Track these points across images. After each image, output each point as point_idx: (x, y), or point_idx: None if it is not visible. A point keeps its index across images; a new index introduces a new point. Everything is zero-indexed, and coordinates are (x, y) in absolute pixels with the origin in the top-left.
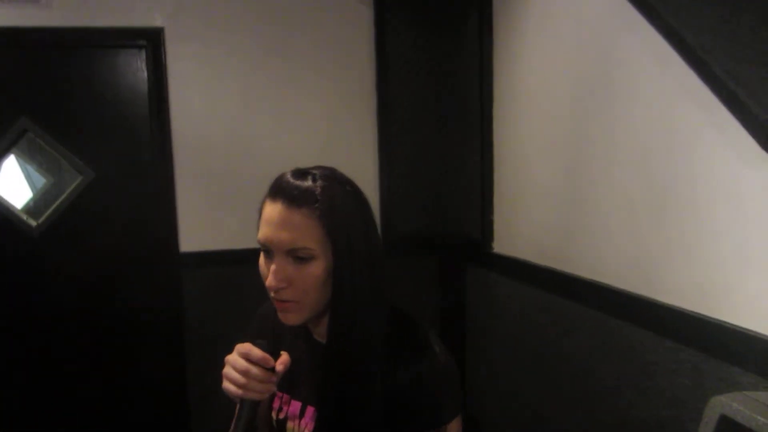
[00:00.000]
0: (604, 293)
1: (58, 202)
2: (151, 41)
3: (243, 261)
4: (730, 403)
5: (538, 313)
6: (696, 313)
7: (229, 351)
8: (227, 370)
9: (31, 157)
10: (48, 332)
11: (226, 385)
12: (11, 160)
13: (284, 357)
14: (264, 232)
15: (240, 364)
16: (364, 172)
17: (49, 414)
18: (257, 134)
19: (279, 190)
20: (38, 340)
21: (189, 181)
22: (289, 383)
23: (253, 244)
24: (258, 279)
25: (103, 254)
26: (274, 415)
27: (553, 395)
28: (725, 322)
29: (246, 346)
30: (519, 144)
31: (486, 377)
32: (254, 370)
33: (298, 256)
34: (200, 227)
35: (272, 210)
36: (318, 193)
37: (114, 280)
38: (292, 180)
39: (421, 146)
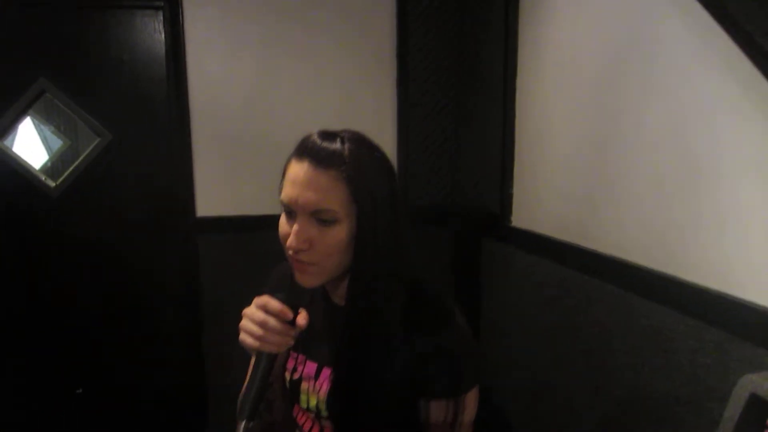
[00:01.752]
0: (624, 269)
1: (76, 164)
2: (168, 2)
3: (259, 227)
4: (762, 382)
5: (555, 288)
6: (722, 292)
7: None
8: (244, 322)
9: (47, 118)
10: (65, 292)
11: (243, 336)
12: (27, 122)
13: (303, 312)
14: (288, 191)
15: (258, 316)
16: (383, 143)
17: (62, 372)
18: (274, 102)
19: (306, 150)
20: (55, 300)
21: (206, 146)
22: (305, 344)
23: (269, 211)
24: (274, 245)
25: (121, 217)
26: (288, 375)
27: (567, 370)
28: (752, 303)
29: (264, 299)
30: (542, 116)
31: (500, 350)
32: (272, 321)
33: (321, 219)
34: (217, 192)
35: (298, 169)
36: (346, 156)
37: (131, 243)
38: (319, 141)
39: (440, 117)
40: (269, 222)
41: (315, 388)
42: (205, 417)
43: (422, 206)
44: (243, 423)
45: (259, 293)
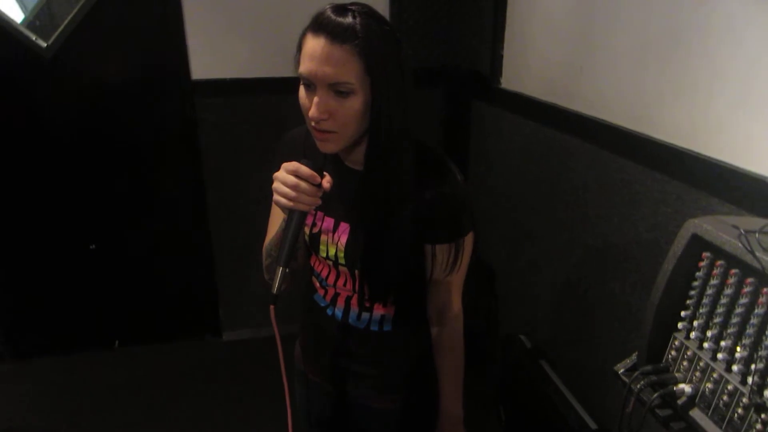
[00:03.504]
0: (602, 129)
1: (65, 22)
2: None
3: (256, 90)
4: (702, 224)
5: (539, 147)
6: (685, 148)
7: (248, 179)
8: (278, 186)
9: None
10: (62, 156)
11: (277, 198)
12: None
13: (327, 176)
14: (307, 66)
15: (290, 180)
16: (376, 4)
17: (75, 229)
18: None
19: (321, 26)
20: (52, 163)
21: (198, 6)
22: (322, 202)
23: (266, 73)
24: (272, 109)
25: (116, 79)
26: (307, 230)
27: (547, 219)
28: (710, 158)
29: (294, 164)
30: None
31: (486, 204)
32: (303, 185)
33: (339, 90)
34: (212, 54)
35: (315, 44)
36: (359, 30)
37: (128, 106)
38: (333, 16)
39: None
40: (266, 85)
41: (334, 240)
42: (213, 270)
43: (415, 65)
44: (281, 269)
45: (272, 161)
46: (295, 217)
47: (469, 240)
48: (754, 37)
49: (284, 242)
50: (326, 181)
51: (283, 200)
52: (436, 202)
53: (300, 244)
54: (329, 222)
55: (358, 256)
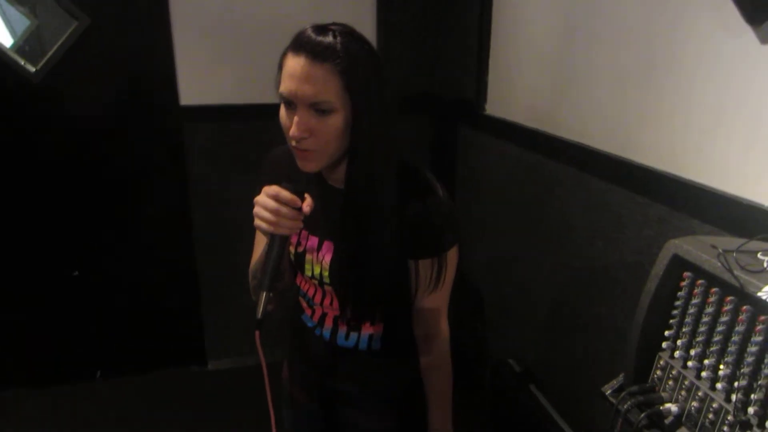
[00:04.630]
0: (585, 153)
1: (55, 48)
2: None
3: (243, 116)
4: (682, 245)
5: (524, 171)
6: (665, 171)
7: (235, 205)
8: (258, 210)
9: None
10: (47, 180)
11: (258, 222)
12: None
13: (309, 199)
14: (287, 85)
15: (270, 205)
16: (363, 30)
17: (58, 255)
18: None
19: (302, 45)
20: (38, 187)
21: (187, 34)
22: (306, 221)
23: (253, 100)
24: (258, 134)
25: (105, 104)
26: (292, 249)
27: (533, 243)
28: (690, 181)
29: (274, 189)
30: (517, 9)
31: (472, 230)
32: (284, 210)
33: (319, 109)
34: (200, 81)
35: (295, 64)
36: (339, 49)
37: (115, 131)
38: (314, 35)
39: (419, 7)
40: (253, 111)
41: (318, 259)
42: (198, 298)
43: (401, 92)
44: (264, 294)
45: (256, 180)
46: (276, 241)
47: (452, 255)
48: (725, 64)
49: (267, 266)
50: (306, 205)
51: (263, 225)
52: (418, 218)
53: (284, 267)
54: (313, 241)
55: (341, 274)
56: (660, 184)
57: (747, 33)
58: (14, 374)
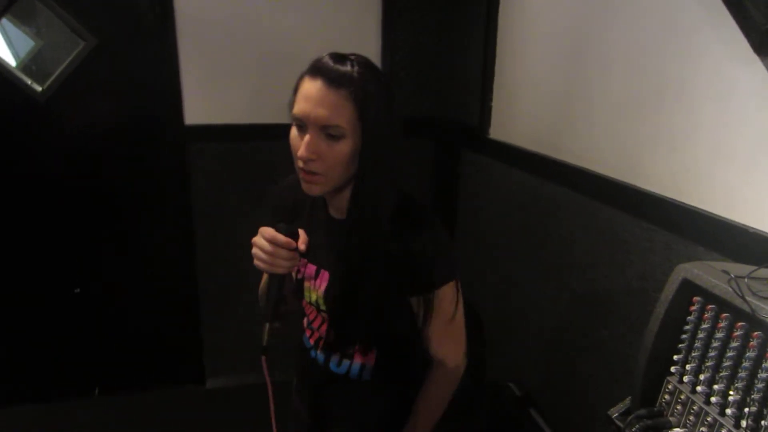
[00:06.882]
0: (589, 178)
1: (62, 68)
2: None
3: (248, 136)
4: (692, 269)
5: (527, 195)
6: (669, 197)
7: (238, 225)
8: (256, 252)
9: (25, 20)
10: (51, 199)
11: (257, 263)
12: None
13: (303, 237)
14: (301, 107)
15: (267, 248)
16: (368, 53)
17: (60, 272)
18: (261, 9)
19: (319, 70)
20: (42, 205)
21: (193, 54)
22: (306, 250)
23: (257, 120)
24: (264, 155)
25: (110, 123)
26: (294, 275)
27: (534, 269)
28: (696, 207)
29: (270, 232)
30: (522, 35)
31: (474, 252)
32: (280, 251)
33: (330, 134)
34: (205, 101)
35: (311, 87)
36: (356, 78)
37: (120, 150)
38: (332, 63)
39: (424, 31)
40: (258, 131)
41: (315, 286)
42: (198, 317)
43: (405, 116)
44: (268, 324)
45: (258, 214)
46: (275, 280)
47: (446, 292)
48: (733, 92)
49: (269, 300)
50: (302, 242)
51: (261, 265)
52: (408, 254)
53: (289, 294)
54: (311, 269)
55: (334, 302)
56: (665, 210)
57: (755, 62)
58: (13, 390)
